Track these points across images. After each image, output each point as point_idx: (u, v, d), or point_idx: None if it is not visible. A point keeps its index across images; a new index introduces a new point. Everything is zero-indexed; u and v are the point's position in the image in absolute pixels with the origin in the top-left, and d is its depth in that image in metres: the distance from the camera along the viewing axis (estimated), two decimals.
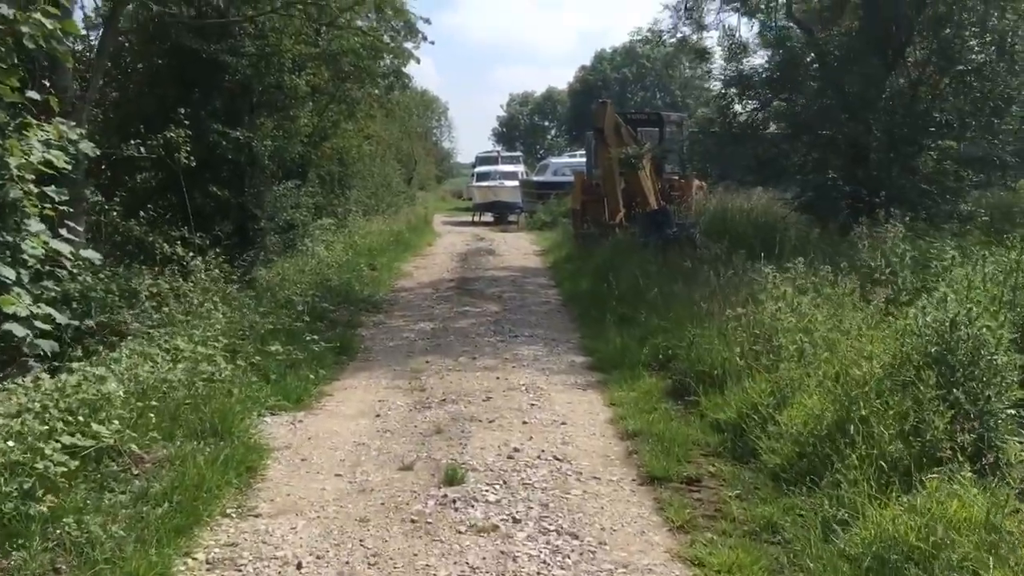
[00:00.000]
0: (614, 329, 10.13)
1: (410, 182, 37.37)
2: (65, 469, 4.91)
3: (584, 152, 31.89)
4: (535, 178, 35.23)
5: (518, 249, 22.38)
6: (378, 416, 7.43)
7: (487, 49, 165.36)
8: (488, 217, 32.96)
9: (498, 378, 8.71)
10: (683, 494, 5.51)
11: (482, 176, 36.09)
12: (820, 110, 13.36)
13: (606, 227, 17.87)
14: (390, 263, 18.02)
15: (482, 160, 43.08)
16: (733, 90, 14.94)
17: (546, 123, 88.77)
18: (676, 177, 20.38)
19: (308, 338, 9.18)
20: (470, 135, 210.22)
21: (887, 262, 8.99)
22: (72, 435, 5.29)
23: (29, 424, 5.15)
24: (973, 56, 12.84)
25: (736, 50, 15.96)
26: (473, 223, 32.58)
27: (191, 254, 10.21)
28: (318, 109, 17.02)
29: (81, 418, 5.57)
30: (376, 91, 19.69)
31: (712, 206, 19.09)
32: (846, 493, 4.60)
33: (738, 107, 15.11)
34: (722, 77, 15.36)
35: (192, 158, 10.49)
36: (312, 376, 8.53)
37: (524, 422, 7.17)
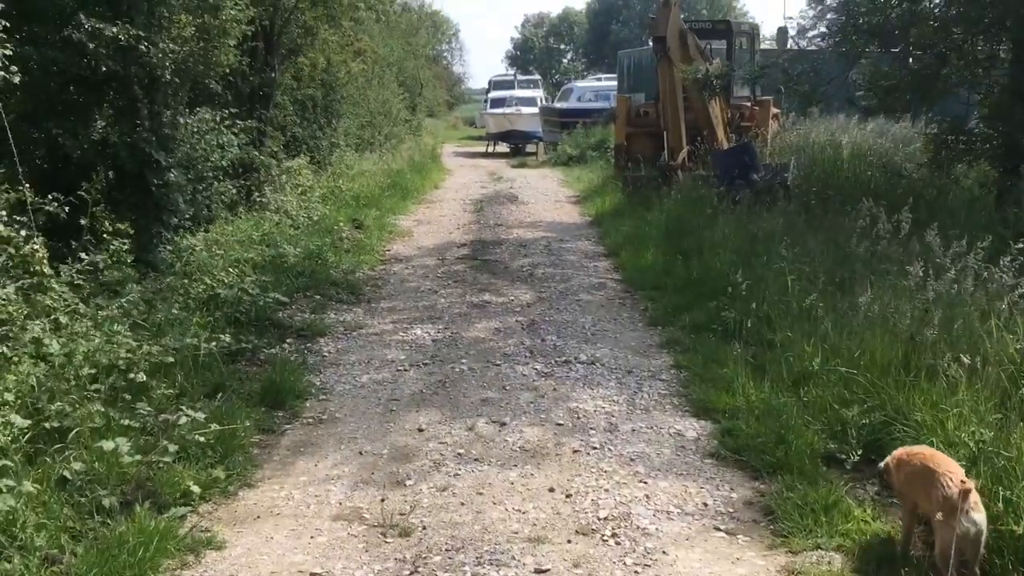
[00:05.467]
0: (738, 361, 5.94)
1: (415, 109, 32.68)
2: None
3: (617, 75, 27.66)
4: (558, 105, 30.93)
5: (546, 194, 17.91)
6: None
7: None
8: (504, 147, 29.47)
9: (552, 491, 4.52)
10: None
11: (497, 102, 32.50)
12: None
13: (666, 169, 13.72)
14: (383, 217, 13.70)
15: (496, 85, 39.38)
16: None
17: (562, 46, 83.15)
18: (748, 103, 15.99)
19: (185, 418, 4.79)
20: (482, 60, 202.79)
21: None
22: None
23: None
24: None
25: None
26: (487, 154, 29.39)
27: (22, 232, 5.95)
28: (281, 8, 12.38)
29: None
30: None
31: (792, 140, 14.81)
32: None
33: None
34: None
35: (15, 69, 6.08)
36: (194, 488, 4.40)
37: None
